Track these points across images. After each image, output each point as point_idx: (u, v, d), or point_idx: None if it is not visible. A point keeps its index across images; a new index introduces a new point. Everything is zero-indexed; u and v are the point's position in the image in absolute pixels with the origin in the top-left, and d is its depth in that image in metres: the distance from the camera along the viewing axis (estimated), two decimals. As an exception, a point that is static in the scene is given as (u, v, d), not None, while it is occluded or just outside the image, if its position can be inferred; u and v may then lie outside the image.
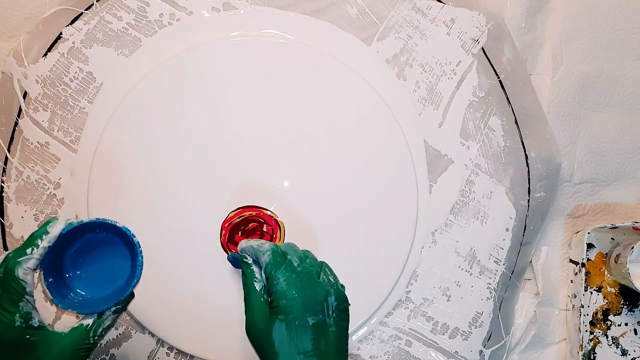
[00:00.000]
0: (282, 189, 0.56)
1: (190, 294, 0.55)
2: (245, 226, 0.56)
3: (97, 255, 0.44)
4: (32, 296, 0.39)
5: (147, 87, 0.56)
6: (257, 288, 0.44)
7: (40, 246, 0.39)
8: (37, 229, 0.40)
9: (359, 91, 0.57)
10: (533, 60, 0.63)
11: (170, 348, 0.56)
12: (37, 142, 0.57)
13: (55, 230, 0.40)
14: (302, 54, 0.57)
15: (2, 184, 0.57)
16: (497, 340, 0.60)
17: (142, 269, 0.43)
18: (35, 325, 0.39)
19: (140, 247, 0.43)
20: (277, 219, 0.56)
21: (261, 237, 0.56)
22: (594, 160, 0.63)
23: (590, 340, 0.61)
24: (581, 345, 0.59)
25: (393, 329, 0.58)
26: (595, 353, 0.61)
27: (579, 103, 0.63)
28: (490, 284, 0.59)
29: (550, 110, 0.62)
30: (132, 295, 0.43)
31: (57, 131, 0.57)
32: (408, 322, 0.58)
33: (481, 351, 0.59)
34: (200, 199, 0.56)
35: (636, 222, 0.58)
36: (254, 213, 0.56)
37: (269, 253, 0.44)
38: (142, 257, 0.43)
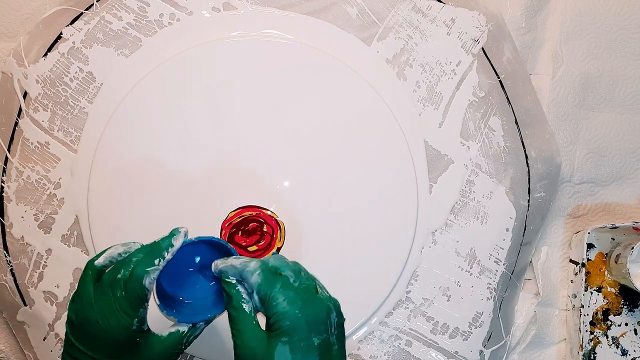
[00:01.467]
0: (282, 189, 0.56)
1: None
2: (246, 226, 0.56)
3: (192, 267, 0.46)
4: (148, 303, 0.41)
5: (147, 87, 0.56)
6: (246, 310, 0.40)
7: (165, 258, 0.41)
8: (161, 238, 0.42)
9: (359, 91, 0.57)
10: (533, 60, 0.63)
11: (171, 348, 0.56)
12: (37, 142, 0.57)
13: (177, 243, 0.42)
14: (302, 54, 0.57)
15: (2, 184, 0.57)
16: (497, 340, 0.60)
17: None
18: (145, 329, 0.41)
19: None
20: (277, 219, 0.56)
21: (261, 237, 0.56)
22: (594, 160, 0.63)
23: (591, 340, 0.61)
24: (581, 346, 0.59)
25: (393, 329, 0.58)
26: (596, 353, 0.61)
27: (579, 103, 0.63)
28: (490, 284, 0.59)
29: (551, 110, 0.62)
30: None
31: (57, 131, 0.57)
32: (408, 322, 0.58)
33: (481, 351, 0.59)
34: (200, 198, 0.56)
35: (636, 222, 0.58)
36: (254, 213, 0.56)
37: (258, 272, 0.40)
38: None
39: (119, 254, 0.42)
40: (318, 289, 0.41)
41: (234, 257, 0.43)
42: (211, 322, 0.44)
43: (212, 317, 0.44)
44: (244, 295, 0.41)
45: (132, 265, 0.40)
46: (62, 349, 0.41)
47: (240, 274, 0.41)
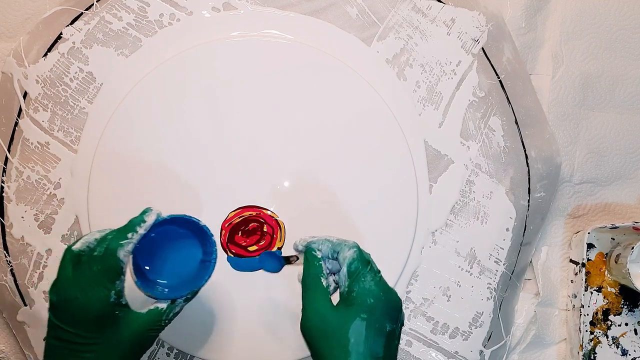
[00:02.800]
0: (282, 189, 0.56)
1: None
2: (246, 226, 0.56)
3: (168, 246, 0.47)
4: (124, 276, 0.42)
5: (147, 87, 0.56)
6: (323, 283, 0.43)
7: (138, 232, 0.43)
8: (135, 216, 0.44)
9: (359, 91, 0.57)
10: (533, 60, 0.63)
11: (171, 348, 0.56)
12: (37, 142, 0.57)
13: (149, 219, 0.44)
14: (302, 54, 0.57)
15: (2, 184, 0.57)
16: (497, 341, 0.60)
17: (215, 264, 0.46)
18: (123, 303, 0.42)
19: (215, 244, 0.46)
20: (277, 219, 0.56)
21: (261, 237, 0.56)
22: (594, 160, 0.63)
23: (591, 340, 0.61)
24: (581, 345, 0.59)
25: (393, 329, 0.58)
26: (596, 353, 0.61)
27: (579, 103, 0.63)
28: (490, 284, 0.59)
29: (551, 110, 0.62)
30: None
31: (57, 131, 0.57)
32: (408, 322, 0.58)
33: (481, 351, 0.59)
34: (200, 199, 0.56)
35: (636, 222, 0.58)
36: (254, 213, 0.56)
37: (355, 249, 0.43)
38: (216, 254, 0.46)
39: (95, 239, 0.43)
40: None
41: (327, 235, 0.46)
42: (191, 301, 0.46)
43: (189, 294, 0.45)
44: (324, 271, 0.44)
45: (106, 242, 0.42)
46: (46, 335, 0.42)
47: (334, 247, 0.44)
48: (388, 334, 0.41)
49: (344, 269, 0.43)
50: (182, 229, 0.47)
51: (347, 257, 0.43)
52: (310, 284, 0.43)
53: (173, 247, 0.47)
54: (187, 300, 0.46)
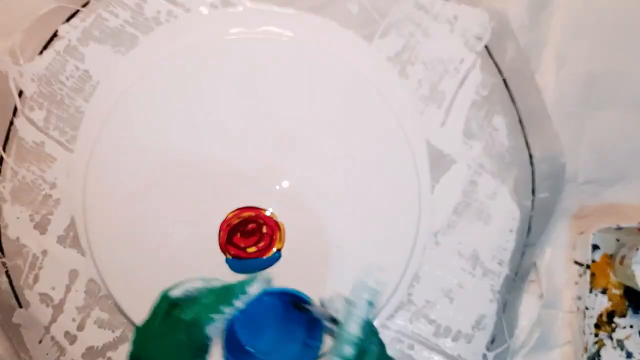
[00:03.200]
0: (282, 189, 0.56)
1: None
2: (244, 227, 0.55)
3: (268, 319, 0.42)
4: (208, 354, 0.37)
5: (144, 85, 0.56)
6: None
7: (235, 306, 0.37)
8: (237, 282, 0.38)
9: (360, 89, 0.57)
10: (537, 59, 0.62)
11: (168, 351, 0.56)
12: (33, 141, 0.56)
13: (253, 291, 0.38)
14: (302, 52, 0.57)
15: (-3, 184, 0.57)
16: (501, 343, 0.59)
17: (319, 350, 0.41)
18: None
19: (323, 329, 0.40)
20: (276, 220, 0.56)
21: (260, 238, 0.55)
22: (598, 160, 0.63)
23: (595, 342, 0.61)
24: (586, 348, 0.58)
25: (395, 332, 0.57)
26: (600, 355, 0.61)
27: (584, 102, 0.62)
28: (493, 285, 0.59)
29: (555, 109, 0.62)
30: None
31: (53, 130, 0.56)
32: (410, 324, 0.58)
33: (485, 354, 0.58)
34: (198, 199, 0.55)
35: (641, 223, 0.58)
36: (253, 214, 0.55)
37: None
38: (322, 340, 0.41)
39: (196, 289, 0.39)
40: None
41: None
42: None
43: None
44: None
45: (199, 308, 0.37)
46: None
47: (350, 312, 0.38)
48: None
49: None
50: (281, 300, 0.42)
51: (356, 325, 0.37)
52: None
53: (274, 321, 0.42)
54: None
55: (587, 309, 0.58)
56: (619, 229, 0.59)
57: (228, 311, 0.37)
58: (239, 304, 0.37)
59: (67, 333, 0.56)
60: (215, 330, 0.36)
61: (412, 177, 0.57)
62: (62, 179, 0.56)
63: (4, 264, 0.57)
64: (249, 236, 0.55)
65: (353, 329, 0.37)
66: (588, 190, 0.63)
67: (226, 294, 0.38)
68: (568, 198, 0.63)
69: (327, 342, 0.41)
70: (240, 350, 0.40)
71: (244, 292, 0.38)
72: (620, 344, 0.62)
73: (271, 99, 0.56)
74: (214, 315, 0.36)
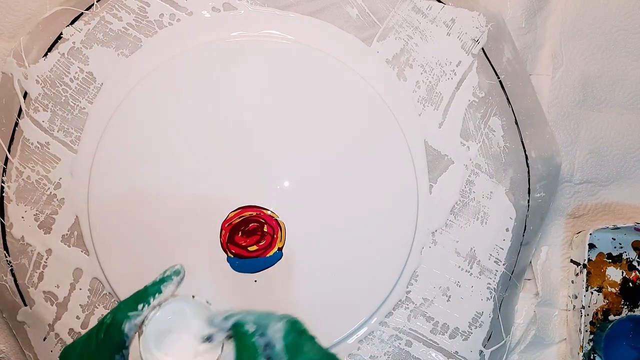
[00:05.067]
0: (283, 189, 0.56)
1: (189, 294, 0.55)
2: (246, 226, 0.56)
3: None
4: (128, 350, 0.39)
5: (148, 87, 0.56)
6: None
7: (151, 305, 0.39)
8: (152, 282, 0.40)
9: (359, 91, 0.57)
10: (533, 61, 0.63)
11: (171, 348, 0.56)
12: (38, 142, 0.57)
13: (167, 291, 0.40)
14: (303, 55, 0.57)
15: (3, 184, 0.57)
16: (497, 341, 0.60)
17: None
18: None
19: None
20: (277, 219, 0.56)
21: (262, 237, 0.56)
22: (594, 160, 0.63)
23: (590, 340, 0.61)
24: (581, 346, 0.59)
25: (393, 329, 0.58)
26: (596, 353, 0.61)
27: (579, 103, 0.63)
28: (490, 284, 0.59)
29: (551, 111, 0.62)
30: None
31: (58, 131, 0.57)
32: (408, 322, 0.58)
33: (481, 351, 0.59)
34: (200, 199, 0.56)
35: (638, 223, 0.58)
36: (254, 213, 0.56)
37: (286, 320, 0.38)
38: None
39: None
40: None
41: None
42: None
43: None
44: (260, 350, 0.37)
45: (117, 309, 0.39)
46: None
47: (260, 320, 0.38)
48: None
49: (280, 345, 0.37)
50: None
51: (279, 330, 0.37)
52: None
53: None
54: None
55: (583, 307, 0.59)
56: (616, 228, 0.60)
57: (142, 308, 0.39)
58: (155, 302, 0.39)
59: (71, 330, 0.56)
60: (130, 327, 0.38)
61: (411, 178, 0.58)
62: (66, 179, 0.57)
63: (8, 262, 0.57)
64: (250, 235, 0.56)
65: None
66: (584, 190, 0.64)
67: (142, 292, 0.39)
68: (564, 198, 0.63)
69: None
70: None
71: (159, 291, 0.40)
72: (616, 342, 0.62)
73: (272, 101, 0.57)
74: (130, 314, 0.38)
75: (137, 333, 0.39)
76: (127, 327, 0.38)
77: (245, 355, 0.37)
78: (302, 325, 0.39)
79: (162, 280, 0.40)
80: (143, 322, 0.39)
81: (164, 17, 0.57)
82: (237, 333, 0.38)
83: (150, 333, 0.40)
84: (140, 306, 0.39)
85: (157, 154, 0.56)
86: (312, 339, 0.38)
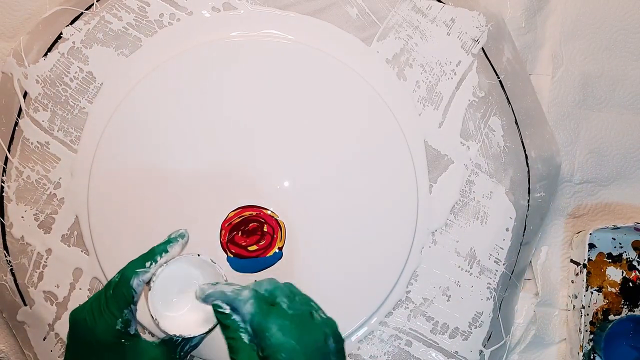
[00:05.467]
0: (282, 188, 0.56)
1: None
2: (246, 226, 0.56)
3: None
4: (136, 306, 0.41)
5: (147, 87, 0.56)
6: (245, 340, 0.38)
7: (158, 263, 0.41)
8: (159, 243, 0.42)
9: (359, 91, 0.57)
10: (533, 60, 0.63)
11: (170, 348, 0.56)
12: (37, 142, 0.57)
13: (174, 251, 0.42)
14: (302, 54, 0.57)
15: (2, 184, 0.57)
16: (497, 340, 0.60)
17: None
18: (132, 333, 0.41)
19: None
20: (277, 218, 0.56)
21: (262, 237, 0.56)
22: (594, 160, 0.63)
23: (590, 340, 0.61)
24: (581, 346, 0.59)
25: (393, 329, 0.58)
26: (596, 353, 0.61)
27: (579, 103, 0.63)
28: (490, 284, 0.59)
29: (551, 110, 0.62)
30: None
31: (57, 131, 0.57)
32: (408, 322, 0.58)
33: (481, 351, 0.59)
34: (200, 199, 0.56)
35: (638, 223, 0.58)
36: (254, 213, 0.56)
37: (251, 301, 0.38)
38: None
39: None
40: (313, 313, 0.39)
41: (224, 283, 0.41)
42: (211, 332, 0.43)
43: (206, 333, 0.43)
44: (241, 325, 0.39)
45: (126, 267, 0.41)
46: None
47: (232, 302, 0.39)
48: None
49: (248, 327, 0.38)
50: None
51: (246, 314, 0.38)
52: (233, 345, 0.38)
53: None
54: (207, 333, 0.43)
55: (583, 307, 0.59)
56: (616, 228, 0.60)
57: (150, 266, 0.41)
58: (162, 260, 0.42)
59: (71, 330, 0.57)
60: (138, 283, 0.40)
61: (411, 178, 0.58)
62: (66, 179, 0.57)
63: (8, 262, 0.57)
64: (250, 235, 0.56)
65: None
66: (584, 189, 0.64)
67: (149, 253, 0.42)
68: (564, 197, 0.63)
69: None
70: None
71: (165, 251, 0.42)
72: (616, 342, 0.62)
73: (272, 101, 0.57)
74: (138, 270, 0.41)
75: (145, 290, 0.41)
76: (135, 282, 0.40)
77: (228, 335, 0.39)
78: (274, 293, 0.40)
79: (169, 241, 0.43)
80: (151, 279, 0.41)
81: (164, 16, 0.57)
82: (216, 312, 0.40)
83: (158, 290, 0.42)
84: (147, 264, 0.41)
85: (157, 154, 0.56)
86: (282, 314, 0.38)
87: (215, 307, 0.40)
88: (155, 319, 0.41)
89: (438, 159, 0.59)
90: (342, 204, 0.57)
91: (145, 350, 0.41)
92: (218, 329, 0.41)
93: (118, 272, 0.41)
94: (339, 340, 0.39)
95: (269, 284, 0.40)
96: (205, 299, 0.40)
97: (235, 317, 0.39)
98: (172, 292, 0.44)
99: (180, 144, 0.56)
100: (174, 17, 0.57)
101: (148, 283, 0.42)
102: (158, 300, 0.42)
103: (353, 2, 0.58)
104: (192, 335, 0.42)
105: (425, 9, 0.59)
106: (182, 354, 0.43)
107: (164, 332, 0.42)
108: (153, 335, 0.56)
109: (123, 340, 0.40)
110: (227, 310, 0.39)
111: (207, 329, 0.43)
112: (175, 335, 0.42)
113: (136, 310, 0.41)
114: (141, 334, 0.43)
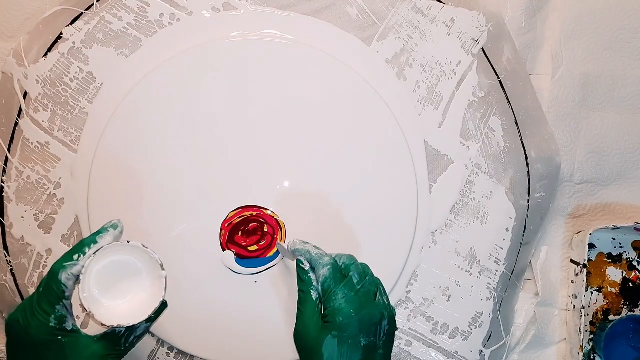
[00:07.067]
0: (282, 189, 0.56)
1: (189, 294, 0.55)
2: (246, 226, 0.56)
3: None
4: (70, 301, 0.41)
5: (147, 87, 0.56)
6: (313, 297, 0.44)
7: (87, 255, 0.41)
8: (87, 236, 0.43)
9: (359, 91, 0.57)
10: (533, 60, 0.63)
11: (171, 348, 0.56)
12: (38, 142, 0.57)
13: (103, 242, 0.42)
14: (303, 55, 0.57)
15: (3, 184, 0.57)
16: (497, 340, 0.60)
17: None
18: (69, 329, 0.40)
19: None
20: (277, 219, 0.56)
21: (262, 237, 0.56)
22: (594, 160, 0.63)
23: (590, 340, 0.62)
24: (581, 346, 0.59)
25: (393, 329, 0.58)
26: (596, 353, 0.61)
27: (579, 103, 0.63)
28: (490, 284, 0.59)
29: (550, 110, 0.62)
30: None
31: (58, 131, 0.57)
32: (408, 322, 0.58)
33: (481, 351, 0.59)
34: (200, 199, 0.56)
35: (638, 223, 0.58)
36: (254, 213, 0.56)
37: (329, 267, 0.44)
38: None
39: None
40: (377, 296, 0.43)
41: (313, 245, 0.47)
42: (155, 322, 0.44)
43: (146, 321, 0.42)
44: (314, 283, 0.44)
45: (56, 261, 0.41)
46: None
47: (313, 262, 0.45)
48: (365, 348, 0.41)
49: (319, 287, 0.44)
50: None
51: (320, 276, 0.44)
52: (301, 297, 0.45)
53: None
54: (150, 321, 0.43)
55: (583, 307, 0.59)
56: (616, 228, 0.60)
57: (79, 259, 0.41)
58: (90, 252, 0.41)
59: (71, 330, 0.56)
60: (67, 277, 0.40)
61: (411, 178, 0.58)
62: (66, 179, 0.57)
63: (8, 262, 0.57)
64: (250, 235, 0.56)
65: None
66: (584, 190, 0.64)
67: (77, 245, 0.41)
68: (564, 198, 0.63)
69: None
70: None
71: (94, 242, 0.42)
72: (616, 342, 0.62)
73: (272, 101, 0.57)
74: (66, 264, 0.40)
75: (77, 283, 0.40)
76: (63, 276, 0.40)
77: (301, 286, 0.45)
78: (349, 269, 0.44)
79: (98, 232, 0.43)
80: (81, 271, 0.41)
81: (164, 17, 0.57)
82: (298, 267, 0.46)
83: (91, 281, 0.41)
84: (75, 257, 0.41)
85: (157, 154, 0.56)
86: (351, 287, 0.43)
87: (299, 262, 0.46)
88: (89, 311, 0.40)
89: (438, 159, 0.59)
90: (341, 204, 0.57)
91: (86, 345, 0.40)
92: (162, 320, 0.43)
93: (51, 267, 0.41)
94: (393, 326, 0.43)
95: (348, 259, 0.45)
96: (293, 252, 0.48)
97: (311, 274, 0.45)
98: (111, 282, 0.43)
99: (180, 144, 0.56)
100: (174, 18, 0.57)
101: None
102: (94, 291, 0.42)
103: (353, 2, 0.58)
104: (131, 324, 0.41)
105: (425, 9, 0.59)
106: (127, 345, 0.42)
107: (99, 323, 0.41)
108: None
109: (60, 337, 0.40)
110: (307, 267, 0.46)
111: (146, 317, 0.42)
112: (113, 326, 0.41)
113: (71, 305, 0.41)
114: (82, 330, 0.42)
